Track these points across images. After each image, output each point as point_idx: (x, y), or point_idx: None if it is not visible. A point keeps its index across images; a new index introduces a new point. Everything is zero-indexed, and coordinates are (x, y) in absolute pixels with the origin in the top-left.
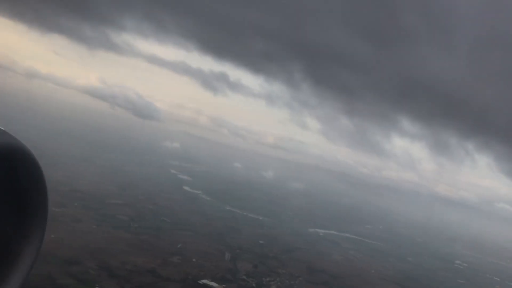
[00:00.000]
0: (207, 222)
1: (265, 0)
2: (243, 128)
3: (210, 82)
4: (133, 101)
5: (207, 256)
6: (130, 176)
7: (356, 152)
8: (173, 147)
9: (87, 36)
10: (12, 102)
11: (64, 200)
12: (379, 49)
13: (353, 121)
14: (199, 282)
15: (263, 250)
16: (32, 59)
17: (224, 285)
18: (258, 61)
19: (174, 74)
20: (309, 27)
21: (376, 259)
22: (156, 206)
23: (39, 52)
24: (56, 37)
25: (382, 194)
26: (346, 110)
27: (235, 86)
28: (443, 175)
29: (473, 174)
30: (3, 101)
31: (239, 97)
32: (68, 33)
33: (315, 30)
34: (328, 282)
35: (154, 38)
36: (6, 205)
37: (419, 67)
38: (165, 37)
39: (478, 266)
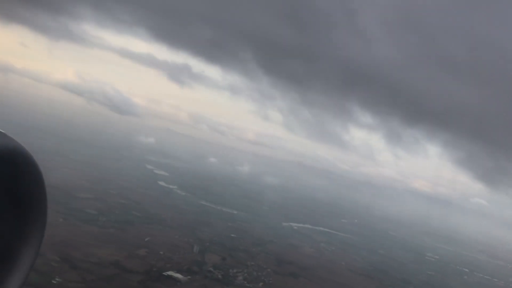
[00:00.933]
0: (179, 216)
1: None
2: (223, 124)
3: (175, 74)
4: (110, 96)
5: (175, 249)
6: (104, 171)
7: (316, 144)
8: (149, 143)
9: (49, 26)
10: None
11: None
12: (317, 36)
13: (312, 112)
14: (163, 273)
15: (234, 243)
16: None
17: (189, 277)
18: (211, 50)
19: (142, 67)
20: (246, 13)
21: (347, 252)
22: (127, 201)
23: (4, 43)
24: (19, 28)
25: (360, 190)
26: (303, 101)
27: (198, 78)
28: (400, 166)
29: (447, 169)
30: None
31: (204, 88)
32: (29, 24)
33: (252, 18)
34: (295, 273)
35: (113, 29)
36: (6, 207)
37: (358, 54)
38: (123, 28)
39: (449, 258)
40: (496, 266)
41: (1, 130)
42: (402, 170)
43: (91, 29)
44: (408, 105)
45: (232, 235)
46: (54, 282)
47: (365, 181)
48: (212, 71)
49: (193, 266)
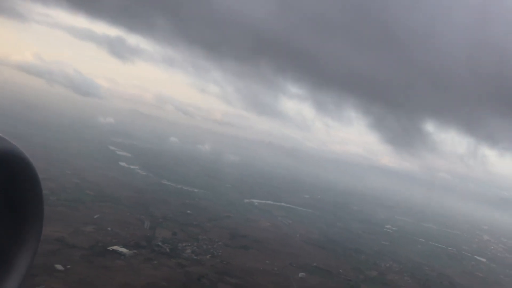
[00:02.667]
0: (135, 195)
1: None
2: (190, 105)
3: (114, 48)
4: (71, 77)
5: (125, 225)
6: (62, 152)
7: (253, 115)
8: (112, 124)
9: None
10: None
11: None
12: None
13: (245, 82)
14: (108, 248)
15: (188, 219)
16: None
17: (135, 251)
18: (127, 18)
19: (82, 42)
20: None
21: (305, 225)
22: (82, 181)
23: None
24: None
25: (327, 167)
26: (228, 71)
27: (135, 52)
28: (332, 135)
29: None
30: None
31: (143, 63)
32: None
33: None
34: (247, 245)
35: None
36: (2, 210)
37: (266, 20)
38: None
39: (408, 230)
40: (453, 236)
41: None
42: (336, 139)
43: (21, 2)
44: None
45: (188, 211)
46: None
47: (332, 158)
48: (146, 44)
49: (141, 241)
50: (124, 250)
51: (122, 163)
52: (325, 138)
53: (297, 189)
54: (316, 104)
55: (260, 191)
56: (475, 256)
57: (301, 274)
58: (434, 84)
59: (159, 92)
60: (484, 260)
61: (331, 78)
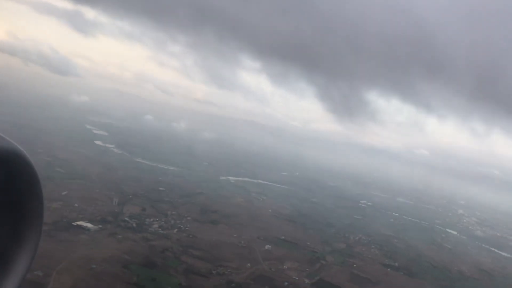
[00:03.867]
0: (107, 172)
1: None
2: (169, 83)
3: (74, 22)
4: (47, 56)
5: (93, 202)
6: (36, 131)
7: (213, 89)
8: (90, 104)
9: None
10: None
11: None
12: None
13: (201, 55)
14: (73, 224)
15: (159, 196)
16: None
17: (100, 226)
18: None
19: (42, 16)
20: None
21: (279, 201)
22: (53, 158)
23: None
24: None
25: (309, 145)
26: (182, 43)
27: (94, 25)
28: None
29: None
30: None
31: (104, 37)
32: None
33: None
34: (216, 220)
35: None
36: (1, 209)
37: None
38: None
39: (383, 205)
40: (427, 210)
41: None
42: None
43: None
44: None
45: (161, 188)
46: None
47: (315, 137)
48: (103, 18)
49: (108, 216)
50: (89, 225)
51: (97, 142)
52: (285, 111)
53: (275, 167)
54: (272, 76)
55: (237, 168)
56: (447, 229)
57: (267, 247)
58: (366, 52)
59: (139, 71)
60: (455, 233)
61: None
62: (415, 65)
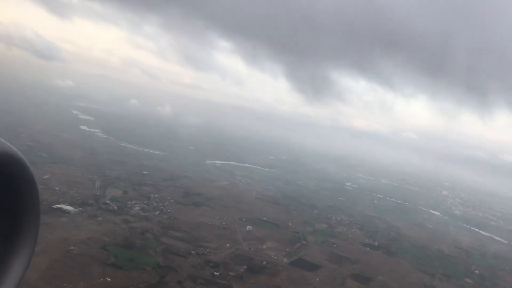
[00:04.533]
0: (91, 156)
1: None
2: (157, 68)
3: (48, 3)
4: (31, 40)
5: (74, 185)
6: (20, 117)
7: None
8: (76, 88)
9: None
10: None
11: None
12: None
13: (174, 36)
14: (53, 206)
15: (143, 179)
16: None
17: (80, 209)
18: None
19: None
20: None
21: (264, 183)
22: (36, 143)
23: None
24: None
25: (297, 130)
26: (157, 24)
27: (69, 7)
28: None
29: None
30: None
31: (80, 19)
32: None
33: None
34: (199, 202)
35: None
36: None
37: None
38: None
39: (368, 187)
40: (412, 192)
41: None
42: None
43: None
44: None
45: (145, 172)
46: None
47: (305, 122)
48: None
49: (89, 199)
50: (69, 208)
51: (83, 127)
52: (261, 92)
53: (262, 150)
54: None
55: (224, 153)
56: (430, 210)
57: (248, 227)
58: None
59: (125, 56)
60: (438, 213)
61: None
62: (375, 43)
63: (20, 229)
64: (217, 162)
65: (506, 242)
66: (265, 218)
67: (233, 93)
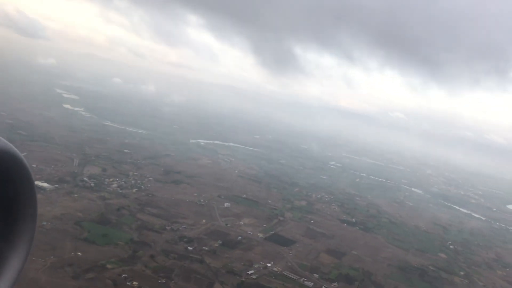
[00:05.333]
0: (72, 134)
1: None
2: (143, 46)
3: None
4: (13, 17)
5: (52, 163)
6: (2, 96)
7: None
8: (59, 67)
9: None
10: None
11: None
12: None
13: (146, 11)
14: None
15: (124, 157)
16: None
17: (57, 185)
18: None
19: None
20: None
21: (247, 162)
22: (16, 121)
23: None
24: None
25: (286, 109)
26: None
27: None
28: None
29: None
30: None
31: None
32: None
33: None
34: (179, 180)
35: None
36: None
37: None
38: None
39: (352, 166)
40: (395, 171)
41: None
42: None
43: None
44: None
45: (126, 150)
46: None
47: (293, 101)
48: None
49: (66, 177)
50: (45, 185)
51: (66, 105)
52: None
53: (249, 130)
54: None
55: (209, 132)
56: (412, 188)
57: (226, 204)
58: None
59: (110, 34)
60: (419, 191)
61: None
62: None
63: (17, 224)
64: (201, 141)
65: (484, 219)
66: (244, 196)
67: (219, 72)
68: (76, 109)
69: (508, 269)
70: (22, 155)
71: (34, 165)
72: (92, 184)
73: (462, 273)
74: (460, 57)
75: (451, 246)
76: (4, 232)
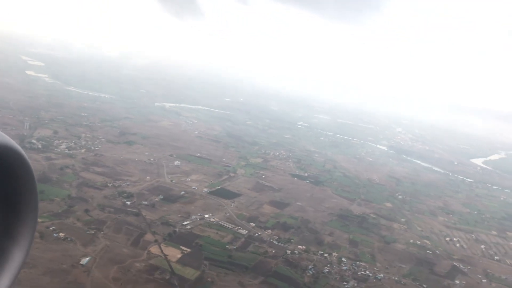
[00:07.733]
0: (29, 100)
1: None
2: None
3: None
4: None
5: (1, 126)
6: None
7: None
8: (28, 33)
9: None
10: None
11: None
12: None
13: None
14: None
15: (79, 120)
16: None
17: None
18: None
19: None
20: None
21: (210, 124)
22: None
23: None
24: None
25: (265, 74)
26: None
27: None
28: None
29: None
30: None
31: None
32: None
33: None
34: (133, 141)
35: None
36: None
37: None
38: None
39: (319, 126)
40: (364, 129)
41: None
42: None
43: None
44: None
45: (83, 114)
46: None
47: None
48: None
49: (14, 139)
50: None
51: (29, 72)
52: None
53: (220, 93)
54: None
55: (177, 95)
56: (377, 145)
57: (176, 163)
58: None
59: None
60: (384, 148)
61: None
62: None
63: (18, 218)
64: (167, 104)
65: (442, 171)
66: (198, 154)
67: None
68: (39, 75)
69: (451, 215)
70: (23, 151)
71: None
72: (40, 146)
73: (403, 219)
74: None
75: (400, 197)
76: (6, 226)
